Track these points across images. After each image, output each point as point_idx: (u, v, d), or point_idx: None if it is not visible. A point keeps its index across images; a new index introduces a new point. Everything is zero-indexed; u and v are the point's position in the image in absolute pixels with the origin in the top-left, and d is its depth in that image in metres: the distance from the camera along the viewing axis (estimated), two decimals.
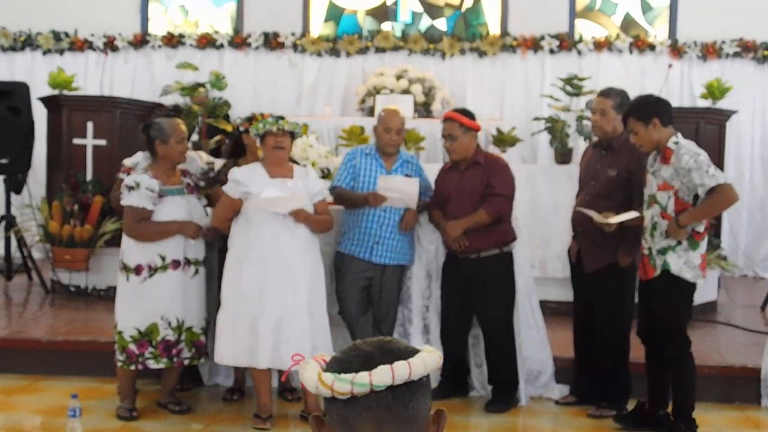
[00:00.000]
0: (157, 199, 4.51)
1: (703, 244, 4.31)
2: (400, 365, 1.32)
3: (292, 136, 4.50)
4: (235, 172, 4.46)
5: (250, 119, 4.79)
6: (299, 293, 4.40)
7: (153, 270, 4.51)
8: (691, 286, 4.33)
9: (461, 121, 4.87)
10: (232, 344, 4.41)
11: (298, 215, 4.39)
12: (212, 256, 5.01)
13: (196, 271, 4.63)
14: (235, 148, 4.98)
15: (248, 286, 4.37)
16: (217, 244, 4.86)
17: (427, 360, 1.35)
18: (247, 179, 4.41)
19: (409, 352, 1.36)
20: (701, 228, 4.28)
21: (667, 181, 4.25)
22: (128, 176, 4.62)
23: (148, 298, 4.50)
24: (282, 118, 4.46)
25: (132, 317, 4.51)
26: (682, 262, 4.26)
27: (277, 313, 4.35)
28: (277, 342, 4.34)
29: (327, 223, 4.61)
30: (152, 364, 4.53)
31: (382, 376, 1.31)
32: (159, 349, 4.52)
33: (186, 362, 4.63)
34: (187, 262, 4.59)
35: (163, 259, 4.52)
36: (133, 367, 4.53)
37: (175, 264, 4.54)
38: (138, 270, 4.51)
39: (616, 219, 4.43)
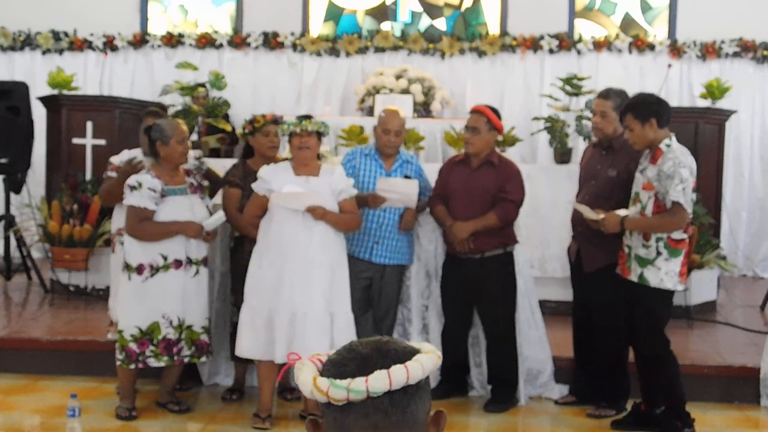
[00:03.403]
0: (159, 199, 4.52)
1: (683, 251, 4.31)
2: (397, 370, 1.29)
3: (320, 135, 4.53)
4: (262, 170, 4.54)
5: (252, 122, 4.85)
6: (315, 289, 4.41)
7: (155, 269, 4.53)
8: (670, 293, 4.35)
9: (490, 116, 4.84)
10: (251, 338, 4.45)
11: (314, 212, 4.41)
12: (227, 254, 5.06)
13: (197, 271, 4.63)
14: (246, 150, 5.04)
15: (266, 280, 4.42)
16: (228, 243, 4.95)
17: (425, 362, 1.32)
18: (271, 177, 4.48)
19: (406, 354, 1.34)
20: (679, 236, 4.28)
21: (651, 181, 4.26)
22: (131, 176, 4.63)
23: (149, 297, 4.52)
24: (308, 117, 4.49)
25: (133, 316, 4.52)
26: (662, 274, 4.27)
27: (291, 308, 4.38)
28: (291, 337, 4.37)
29: (352, 221, 4.61)
30: (153, 363, 4.54)
31: (379, 382, 1.28)
32: (160, 347, 4.53)
33: (186, 360, 4.64)
34: (189, 261, 4.60)
35: (165, 258, 4.53)
36: (132, 366, 4.53)
37: (177, 263, 4.56)
38: (140, 269, 4.52)
39: (603, 216, 4.43)
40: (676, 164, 4.17)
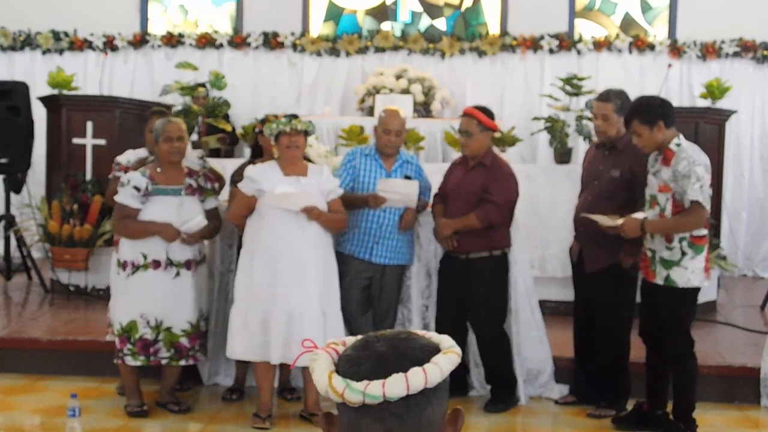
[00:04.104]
0: (143, 198, 4.56)
1: (706, 246, 4.32)
2: (415, 374, 1.23)
3: (306, 134, 4.53)
4: (249, 170, 4.52)
5: (263, 121, 4.87)
6: (310, 289, 4.42)
7: (135, 267, 4.57)
8: (696, 290, 4.34)
9: (480, 118, 4.83)
10: (244, 339, 4.44)
11: (310, 213, 4.41)
12: (227, 254, 5.05)
13: (178, 273, 4.60)
14: (255, 149, 5.05)
15: (259, 282, 4.41)
16: (234, 242, 4.94)
17: (444, 364, 1.26)
18: (260, 177, 4.46)
19: (425, 353, 1.28)
20: (700, 232, 4.28)
21: (667, 183, 4.25)
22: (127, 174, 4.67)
23: (130, 294, 4.58)
24: (295, 117, 4.49)
25: (118, 312, 4.61)
26: (689, 273, 4.25)
27: (287, 308, 4.38)
28: (287, 337, 4.37)
29: (340, 221, 4.62)
30: (130, 361, 4.57)
31: (396, 387, 1.23)
32: (137, 346, 4.56)
33: (164, 362, 4.62)
34: (170, 263, 4.59)
35: (145, 257, 4.57)
36: (115, 361, 4.59)
37: (156, 264, 4.57)
38: (124, 266, 4.59)
39: (622, 221, 4.41)
40: (691, 163, 4.17)
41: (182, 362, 4.65)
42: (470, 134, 4.81)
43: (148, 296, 4.55)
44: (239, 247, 4.94)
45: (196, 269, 4.68)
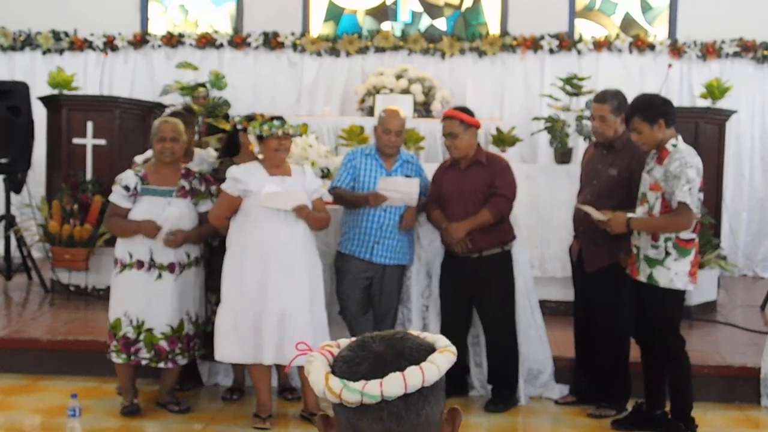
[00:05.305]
0: (132, 197, 4.59)
1: (693, 250, 4.31)
2: (413, 373, 1.24)
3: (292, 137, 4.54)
4: (233, 170, 4.50)
5: (250, 118, 4.79)
6: (300, 289, 4.43)
7: (123, 266, 4.60)
8: (681, 293, 4.34)
9: (462, 118, 4.86)
10: (235, 342, 4.43)
11: (300, 211, 4.42)
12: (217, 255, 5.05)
13: (160, 275, 4.59)
14: (230, 145, 4.98)
15: (250, 283, 4.40)
16: (214, 242, 4.90)
17: (441, 363, 1.27)
18: (246, 177, 4.44)
19: (421, 352, 1.29)
20: (688, 236, 4.27)
21: (658, 182, 4.26)
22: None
23: (116, 292, 4.63)
24: (283, 120, 4.48)
25: (109, 308, 4.65)
26: (672, 274, 4.26)
27: (279, 309, 4.38)
28: (280, 338, 4.37)
29: (324, 220, 4.63)
30: (114, 358, 4.61)
31: (394, 386, 1.23)
32: (120, 344, 4.57)
33: (144, 363, 4.61)
34: (153, 264, 4.58)
35: (131, 256, 4.59)
36: (107, 356, 4.62)
37: (140, 264, 4.59)
38: (116, 263, 4.64)
39: (609, 216, 4.43)
40: (683, 164, 4.17)
41: (161, 365, 4.61)
42: (455, 135, 4.84)
43: (131, 295, 4.57)
44: (223, 249, 4.85)
45: (181, 272, 4.63)
